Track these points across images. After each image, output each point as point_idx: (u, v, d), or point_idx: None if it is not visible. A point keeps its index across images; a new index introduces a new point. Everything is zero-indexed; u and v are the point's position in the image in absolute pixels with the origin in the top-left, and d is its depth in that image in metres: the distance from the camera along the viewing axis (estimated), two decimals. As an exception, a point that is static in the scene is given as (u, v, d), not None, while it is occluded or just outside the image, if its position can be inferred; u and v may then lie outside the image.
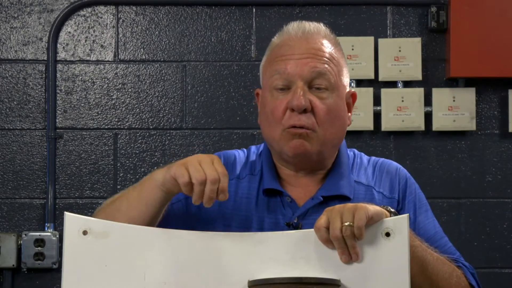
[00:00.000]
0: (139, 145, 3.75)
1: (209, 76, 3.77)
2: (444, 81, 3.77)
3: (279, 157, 2.04)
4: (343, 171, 2.04)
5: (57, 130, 3.73)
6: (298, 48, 2.00)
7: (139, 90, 3.76)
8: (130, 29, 3.78)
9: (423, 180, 3.61)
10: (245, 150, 2.15)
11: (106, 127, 3.75)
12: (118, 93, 3.76)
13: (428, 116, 3.74)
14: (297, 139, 1.97)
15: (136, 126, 3.75)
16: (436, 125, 3.73)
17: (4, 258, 3.65)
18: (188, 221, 2.00)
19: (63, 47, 3.76)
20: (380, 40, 3.75)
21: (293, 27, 2.05)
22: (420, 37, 3.76)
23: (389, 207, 1.84)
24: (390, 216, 1.79)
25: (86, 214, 1.94)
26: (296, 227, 1.96)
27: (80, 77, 3.76)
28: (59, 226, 3.69)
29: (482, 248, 3.73)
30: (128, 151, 3.75)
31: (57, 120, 3.73)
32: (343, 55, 2.06)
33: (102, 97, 3.76)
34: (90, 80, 3.76)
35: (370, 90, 3.73)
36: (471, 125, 3.73)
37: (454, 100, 3.73)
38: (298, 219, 1.98)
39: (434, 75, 3.77)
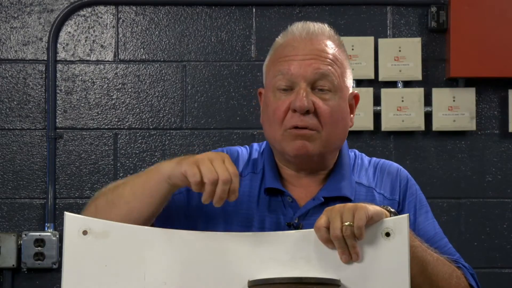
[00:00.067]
0: (139, 145, 3.75)
1: (209, 76, 3.77)
2: (444, 81, 3.77)
3: (281, 157, 2.04)
4: (344, 172, 2.04)
5: (57, 130, 3.73)
6: (302, 49, 1.99)
7: (139, 90, 3.76)
8: (130, 29, 3.78)
9: (423, 180, 3.62)
10: (247, 147, 2.15)
11: (106, 127, 3.75)
12: (118, 93, 3.76)
13: (428, 116, 3.73)
14: (299, 140, 1.97)
15: (136, 126, 3.75)
16: (436, 125, 3.73)
17: (4, 258, 3.65)
18: (189, 213, 2.00)
19: (63, 47, 3.76)
20: (380, 40, 3.75)
21: (298, 27, 2.04)
22: (420, 37, 3.76)
23: (389, 207, 1.84)
24: (390, 216, 1.79)
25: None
26: (296, 227, 1.96)
27: (80, 77, 3.76)
28: (59, 226, 3.69)
29: (482, 248, 3.73)
30: (128, 151, 3.75)
31: (57, 120, 3.73)
32: (347, 57, 2.06)
33: (102, 97, 3.76)
34: (90, 80, 3.76)
35: (370, 90, 3.73)
36: (471, 125, 3.73)
37: (454, 100, 3.72)
38: (299, 220, 1.98)
39: (434, 75, 3.77)
